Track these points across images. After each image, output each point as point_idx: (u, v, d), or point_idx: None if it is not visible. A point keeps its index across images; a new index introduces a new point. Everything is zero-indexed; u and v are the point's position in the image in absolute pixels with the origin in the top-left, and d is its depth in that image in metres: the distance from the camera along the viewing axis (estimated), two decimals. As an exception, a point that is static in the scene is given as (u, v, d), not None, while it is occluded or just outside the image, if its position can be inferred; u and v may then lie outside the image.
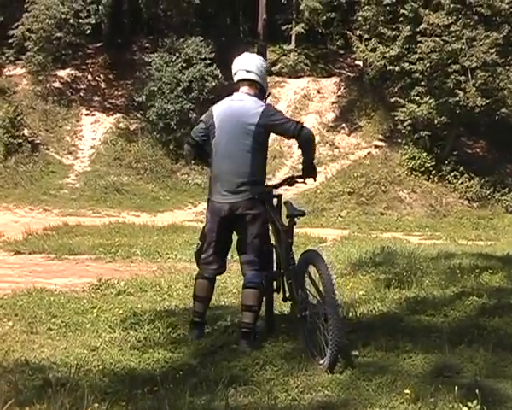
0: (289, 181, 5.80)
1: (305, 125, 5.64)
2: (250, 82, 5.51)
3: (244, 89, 5.52)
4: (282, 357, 5.04)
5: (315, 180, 5.72)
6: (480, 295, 7.10)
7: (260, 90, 5.58)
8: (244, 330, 5.41)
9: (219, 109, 5.53)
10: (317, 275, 5.03)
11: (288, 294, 5.51)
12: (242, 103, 5.47)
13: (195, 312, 5.68)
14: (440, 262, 9.47)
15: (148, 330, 5.93)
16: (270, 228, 5.58)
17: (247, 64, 5.55)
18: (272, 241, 5.60)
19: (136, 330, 5.97)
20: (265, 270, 5.49)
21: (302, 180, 5.72)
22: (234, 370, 4.80)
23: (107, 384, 4.53)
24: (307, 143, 5.54)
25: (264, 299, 5.62)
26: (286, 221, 5.51)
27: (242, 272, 5.55)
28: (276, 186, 5.77)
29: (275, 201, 5.65)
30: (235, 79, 5.58)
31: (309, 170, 5.62)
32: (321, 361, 4.89)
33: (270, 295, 5.70)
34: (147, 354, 5.24)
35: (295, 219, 5.47)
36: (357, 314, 6.53)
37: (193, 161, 5.70)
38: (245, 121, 5.38)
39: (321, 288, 4.99)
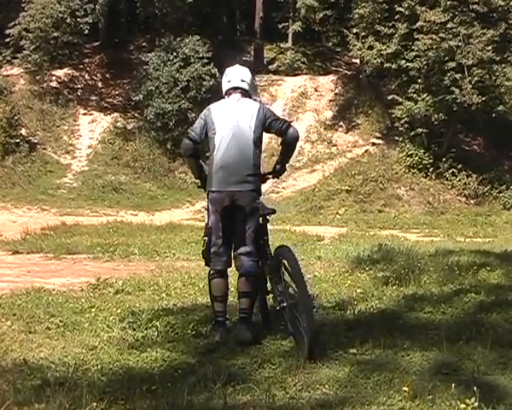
0: (262, 178, 5.95)
1: (299, 123, 5.79)
2: (242, 91, 5.79)
3: (237, 96, 5.76)
4: (280, 355, 5.06)
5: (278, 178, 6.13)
6: (478, 292, 7.11)
7: None
8: (242, 315, 5.57)
9: (218, 107, 5.77)
10: (289, 268, 5.33)
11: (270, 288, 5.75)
12: (240, 101, 5.74)
13: (217, 312, 5.67)
14: (438, 259, 9.48)
15: (146, 329, 5.94)
16: None
17: (241, 74, 5.86)
18: None
19: (134, 330, 5.97)
20: (260, 262, 5.68)
21: (272, 177, 6.07)
22: (232, 368, 4.80)
23: (106, 384, 4.53)
24: (292, 141, 5.82)
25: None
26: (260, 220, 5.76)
27: (238, 264, 5.64)
28: None
29: None
30: (229, 85, 5.82)
31: (282, 169, 5.99)
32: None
33: (262, 289, 5.80)
34: (145, 353, 5.24)
35: (268, 217, 5.77)
36: (355, 312, 6.54)
37: (187, 158, 5.82)
38: (246, 117, 5.65)
39: (293, 279, 5.29)
